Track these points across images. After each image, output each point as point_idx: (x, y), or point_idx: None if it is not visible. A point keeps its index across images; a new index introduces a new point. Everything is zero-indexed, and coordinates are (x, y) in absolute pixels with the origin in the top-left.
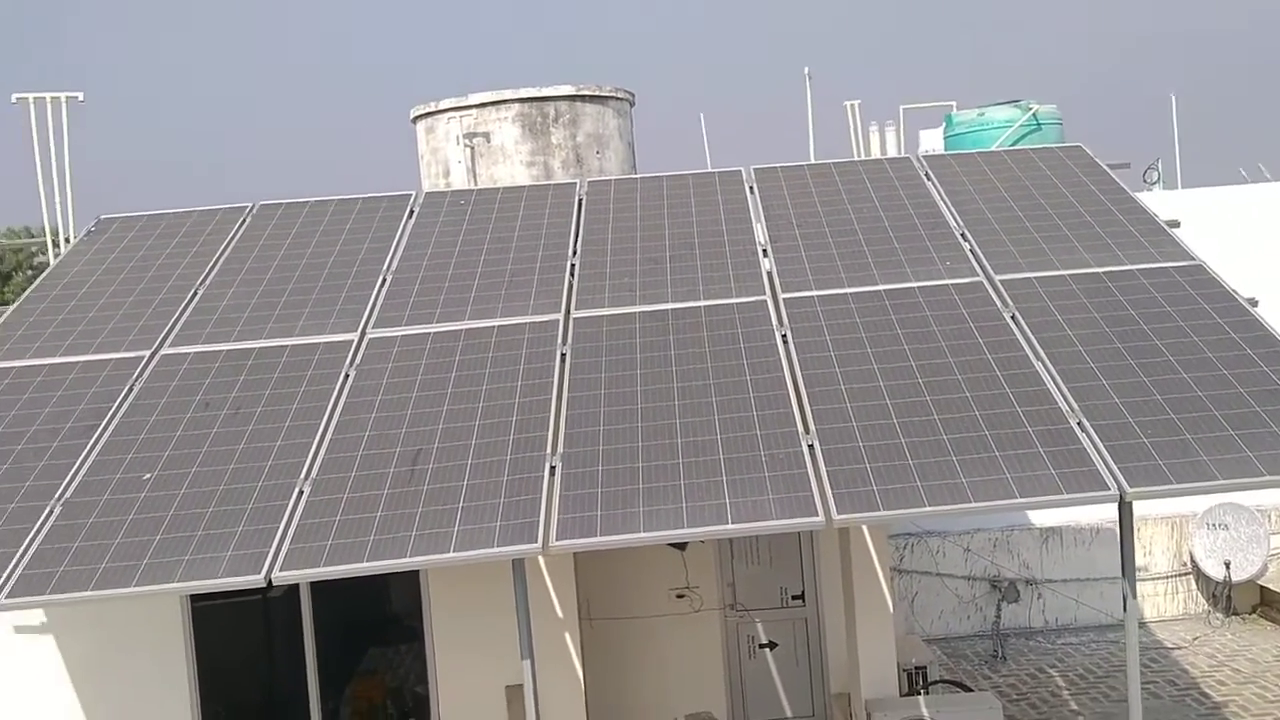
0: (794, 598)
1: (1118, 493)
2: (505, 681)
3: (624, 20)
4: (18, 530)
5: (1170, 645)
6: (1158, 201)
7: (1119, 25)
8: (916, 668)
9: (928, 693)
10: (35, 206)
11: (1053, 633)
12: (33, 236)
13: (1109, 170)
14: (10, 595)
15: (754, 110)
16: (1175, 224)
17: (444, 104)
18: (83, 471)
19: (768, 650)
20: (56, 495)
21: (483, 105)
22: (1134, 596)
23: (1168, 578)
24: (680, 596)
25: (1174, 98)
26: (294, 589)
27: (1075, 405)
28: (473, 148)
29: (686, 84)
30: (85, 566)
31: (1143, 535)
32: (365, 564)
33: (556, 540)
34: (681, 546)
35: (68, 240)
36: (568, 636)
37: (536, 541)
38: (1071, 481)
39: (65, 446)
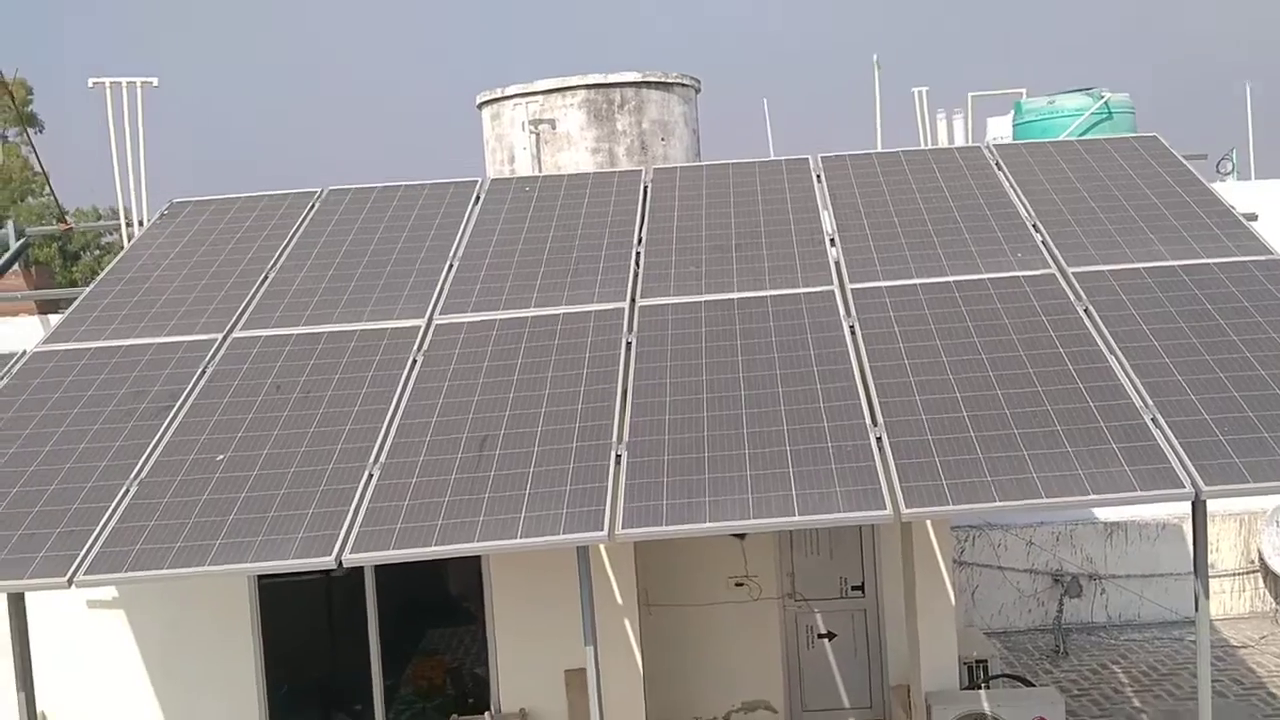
0: (854, 588)
1: (1193, 491)
2: (564, 665)
3: (690, 5)
4: (95, 509)
5: (1236, 644)
6: (1232, 193)
7: (1191, 12)
8: (977, 661)
9: (989, 687)
10: (103, 187)
11: (1115, 629)
12: (99, 217)
13: (1184, 161)
14: (89, 572)
15: (819, 96)
16: (1253, 217)
17: (510, 90)
18: (158, 452)
19: (826, 640)
20: (132, 475)
21: (548, 92)
22: (1206, 596)
23: (1234, 575)
24: (739, 585)
25: (1249, 86)
26: (359, 569)
27: (1150, 401)
28: (538, 134)
29: (751, 70)
30: (160, 545)
31: (1210, 532)
32: (433, 548)
33: (622, 529)
34: (741, 535)
35: (140, 223)
36: (627, 623)
37: (603, 529)
38: (1146, 479)
39: (140, 427)
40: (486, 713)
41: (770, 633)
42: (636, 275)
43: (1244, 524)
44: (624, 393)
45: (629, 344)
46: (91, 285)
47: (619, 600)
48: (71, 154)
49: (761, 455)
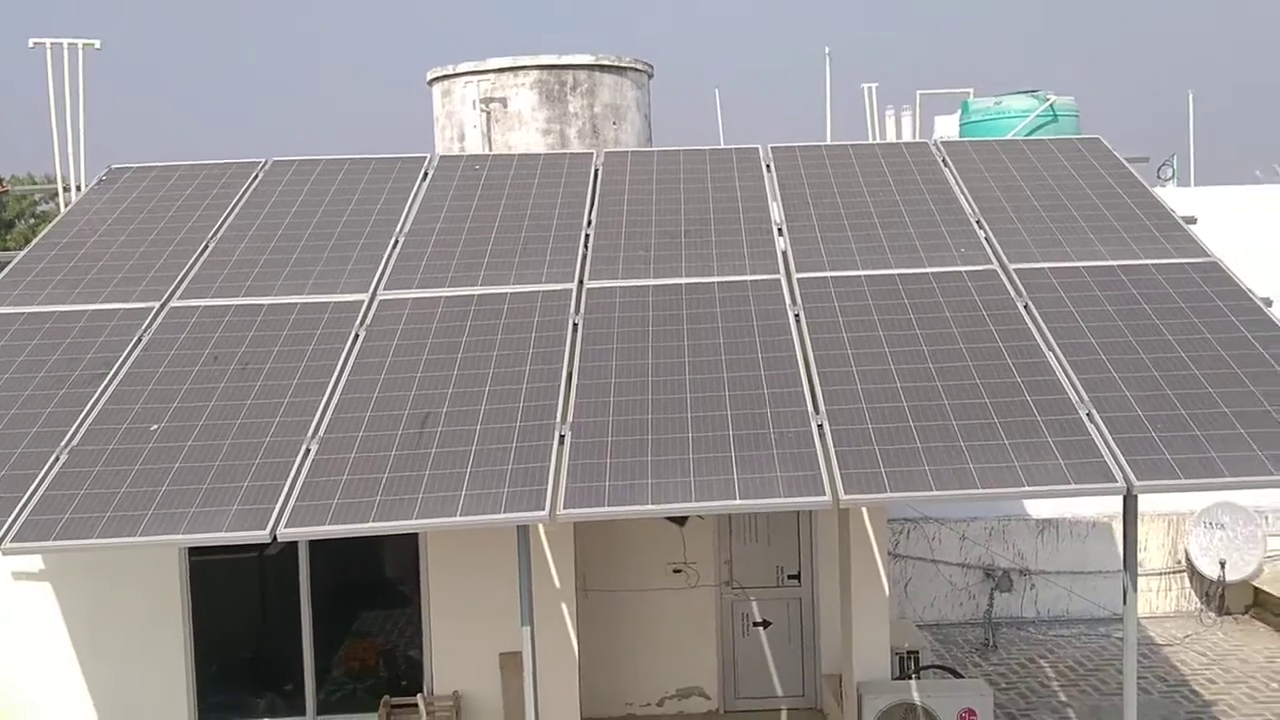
0: (790, 577)
1: (1124, 485)
2: (499, 648)
3: None
4: (24, 475)
5: (1161, 642)
6: (1172, 198)
7: (1139, 20)
8: (909, 652)
9: (919, 677)
10: (42, 154)
11: (1044, 624)
12: (35, 184)
13: (1127, 164)
14: (15, 540)
15: (770, 88)
16: (1192, 220)
17: (461, 67)
18: (89, 420)
19: (761, 629)
20: (63, 442)
21: (500, 70)
22: (1134, 589)
23: (1161, 574)
24: (677, 572)
25: (1190, 94)
26: (292, 547)
27: (1085, 396)
28: (489, 113)
29: (703, 58)
30: (90, 515)
31: (1139, 531)
32: (370, 524)
33: (564, 509)
34: (681, 522)
35: (78, 189)
36: (564, 606)
37: (544, 509)
38: (1079, 472)
39: (72, 394)
40: (419, 695)
41: (706, 620)
42: (585, 257)
43: (1172, 524)
44: (569, 374)
45: (575, 325)
46: (25, 250)
47: (557, 584)
48: (8, 118)
49: (705, 439)
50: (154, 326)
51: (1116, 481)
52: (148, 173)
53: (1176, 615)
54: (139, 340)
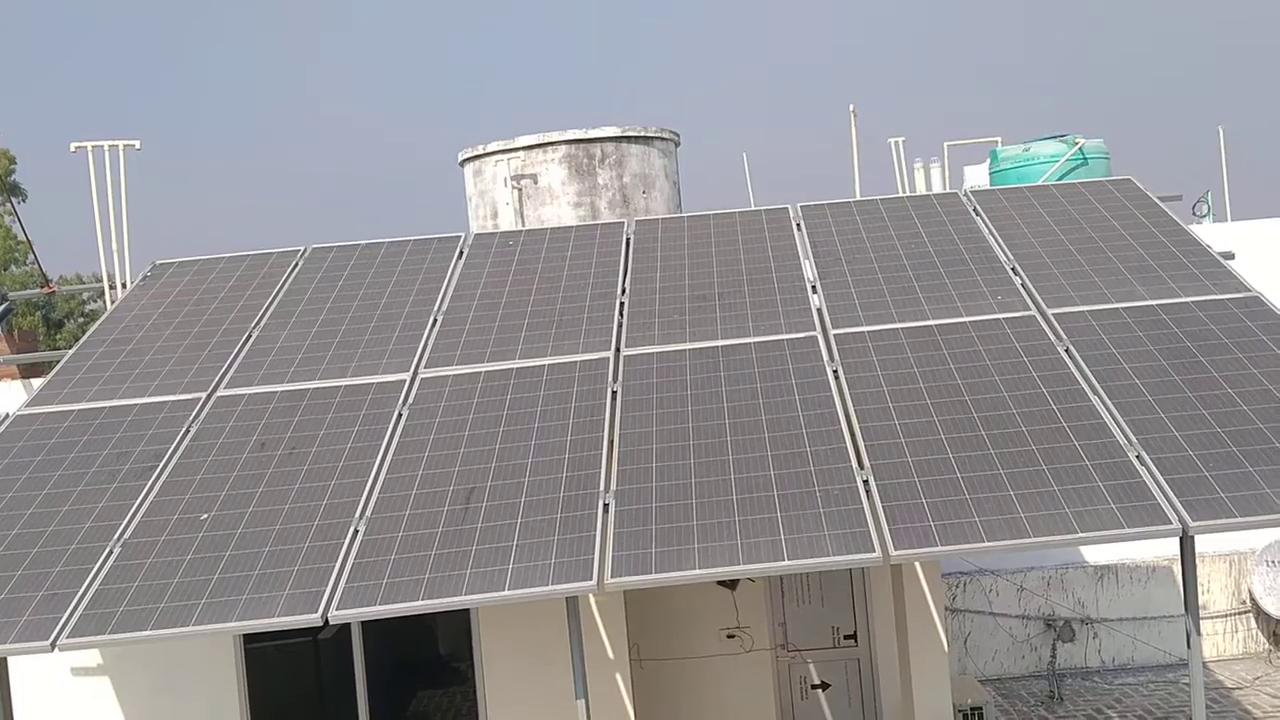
0: (846, 637)
1: (1180, 527)
2: None
3: (666, 60)
4: (78, 570)
5: (1231, 685)
6: (1209, 234)
7: (1163, 54)
8: (972, 708)
9: None
10: (88, 254)
11: (1110, 673)
12: (82, 283)
13: (1160, 203)
14: (71, 635)
15: (796, 149)
16: (1229, 255)
17: (491, 146)
18: (141, 512)
19: (820, 691)
20: (116, 536)
21: (530, 147)
22: (1197, 632)
23: (1226, 616)
24: (731, 637)
25: (1221, 130)
26: (346, 631)
27: (1134, 438)
28: (520, 189)
29: (730, 123)
30: (144, 606)
31: (1201, 572)
32: (420, 602)
33: (611, 577)
34: (732, 586)
35: (124, 285)
36: (619, 677)
37: (591, 579)
38: (1132, 516)
39: (124, 488)
40: None
41: (763, 685)
42: (621, 325)
43: (1234, 564)
44: (610, 441)
45: (615, 393)
46: (75, 347)
47: (610, 655)
48: (55, 221)
49: (749, 500)
50: (201, 417)
51: (1171, 523)
52: (191, 266)
53: (1245, 657)
54: (187, 431)
